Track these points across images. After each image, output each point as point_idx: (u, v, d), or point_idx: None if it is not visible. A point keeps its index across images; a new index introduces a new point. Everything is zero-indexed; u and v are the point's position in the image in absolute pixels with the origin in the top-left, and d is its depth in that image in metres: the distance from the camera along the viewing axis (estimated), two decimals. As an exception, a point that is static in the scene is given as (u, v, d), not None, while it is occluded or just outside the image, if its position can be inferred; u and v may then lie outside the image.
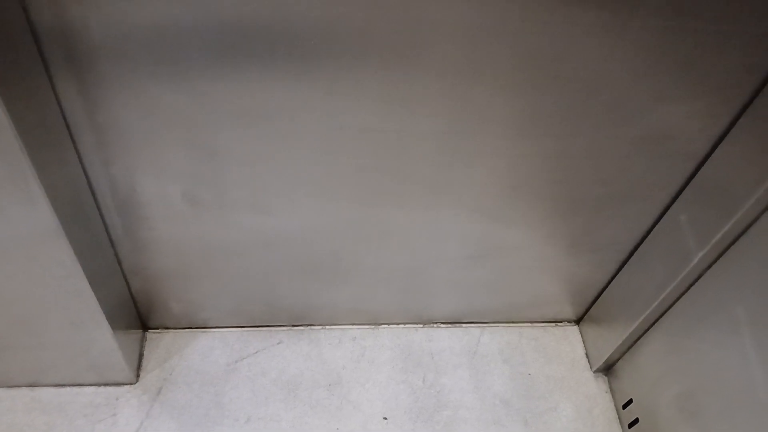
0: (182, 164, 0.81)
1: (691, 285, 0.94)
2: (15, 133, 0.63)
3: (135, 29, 0.65)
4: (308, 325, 1.21)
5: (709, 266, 0.90)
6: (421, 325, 1.23)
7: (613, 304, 1.14)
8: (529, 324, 1.25)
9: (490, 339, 1.22)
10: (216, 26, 0.65)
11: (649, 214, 0.97)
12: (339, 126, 0.78)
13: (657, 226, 0.99)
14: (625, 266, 1.09)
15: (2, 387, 1.07)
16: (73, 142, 0.77)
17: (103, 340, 0.97)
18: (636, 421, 1.09)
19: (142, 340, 1.16)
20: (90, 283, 0.85)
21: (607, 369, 1.19)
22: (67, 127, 0.75)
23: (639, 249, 1.04)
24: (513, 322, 1.24)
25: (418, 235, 0.99)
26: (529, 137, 0.81)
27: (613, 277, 1.13)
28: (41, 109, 0.69)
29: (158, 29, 0.65)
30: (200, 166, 0.82)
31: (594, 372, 1.20)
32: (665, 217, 0.97)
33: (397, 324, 1.22)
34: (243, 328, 1.19)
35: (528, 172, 0.87)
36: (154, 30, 0.65)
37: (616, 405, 1.15)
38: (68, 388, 1.09)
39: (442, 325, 1.23)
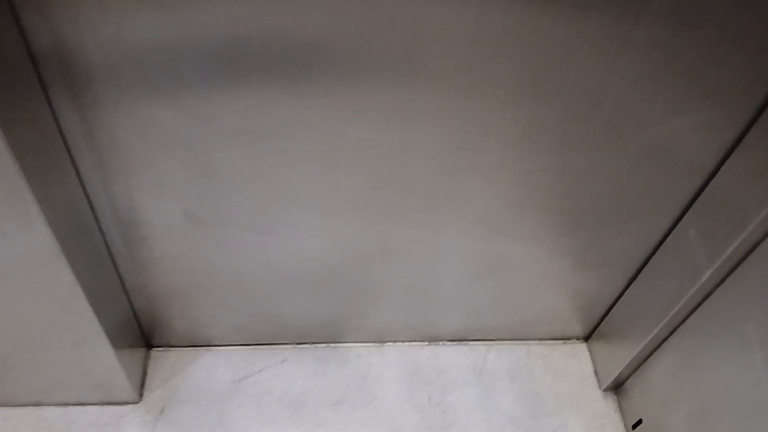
0: (181, 183, 0.81)
1: (701, 302, 0.92)
2: (12, 155, 0.63)
3: (130, 50, 0.64)
4: (313, 343, 1.20)
5: (720, 282, 0.88)
6: (427, 343, 1.21)
7: (622, 320, 1.12)
8: (537, 341, 1.23)
9: (498, 357, 1.21)
10: (211, 45, 0.65)
11: (657, 228, 0.96)
12: (339, 142, 0.77)
13: (666, 241, 0.97)
14: (634, 282, 1.07)
15: (8, 406, 1.07)
16: (73, 162, 0.77)
17: (106, 359, 0.97)
18: (647, 440, 1.07)
19: (146, 359, 1.16)
20: (90, 303, 0.85)
21: (617, 387, 1.17)
22: (67, 147, 0.75)
23: (648, 264, 1.03)
24: (520, 340, 1.23)
25: (421, 251, 0.97)
26: (532, 151, 0.80)
27: (622, 293, 1.11)
28: (39, 130, 0.69)
29: (153, 49, 0.65)
30: (199, 184, 0.81)
31: (603, 390, 1.17)
32: (674, 231, 0.95)
33: (403, 342, 1.21)
34: (247, 346, 1.18)
35: (531, 187, 0.86)
36: (149, 50, 0.65)
37: (625, 424, 1.13)
38: (73, 407, 1.08)
39: (449, 343, 1.22)
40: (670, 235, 0.96)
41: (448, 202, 0.88)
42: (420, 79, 0.70)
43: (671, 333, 1.00)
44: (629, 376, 1.12)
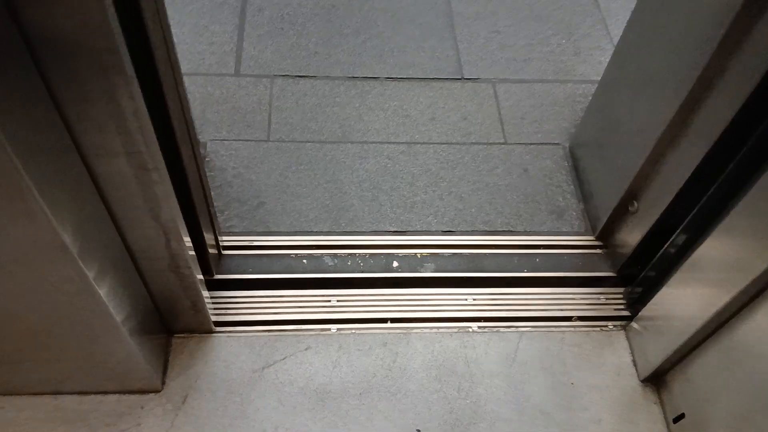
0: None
1: (753, 297, 0.85)
2: (10, 148, 0.58)
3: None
4: (336, 322, 1.15)
5: (775, 278, 0.81)
6: (456, 330, 1.16)
7: (665, 309, 1.05)
8: (572, 329, 1.17)
9: (529, 345, 1.15)
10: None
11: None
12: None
13: (716, 231, 0.90)
14: (680, 268, 0.99)
15: (23, 395, 1.05)
16: (78, 148, 0.72)
17: (122, 350, 0.93)
18: (688, 437, 1.01)
19: (167, 346, 1.12)
20: (105, 296, 0.81)
21: (656, 379, 1.11)
22: (70, 132, 0.70)
23: (696, 252, 0.95)
24: (552, 328, 1.17)
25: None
26: None
27: (665, 279, 1.04)
28: (38, 119, 0.64)
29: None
30: None
31: (642, 381, 1.11)
32: (725, 221, 0.88)
33: (430, 329, 1.16)
34: (270, 333, 1.14)
35: None
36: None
37: (666, 418, 1.07)
38: (91, 396, 1.06)
39: (478, 330, 1.16)
40: (721, 225, 0.89)
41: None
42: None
43: (721, 325, 0.93)
44: (671, 368, 1.06)
